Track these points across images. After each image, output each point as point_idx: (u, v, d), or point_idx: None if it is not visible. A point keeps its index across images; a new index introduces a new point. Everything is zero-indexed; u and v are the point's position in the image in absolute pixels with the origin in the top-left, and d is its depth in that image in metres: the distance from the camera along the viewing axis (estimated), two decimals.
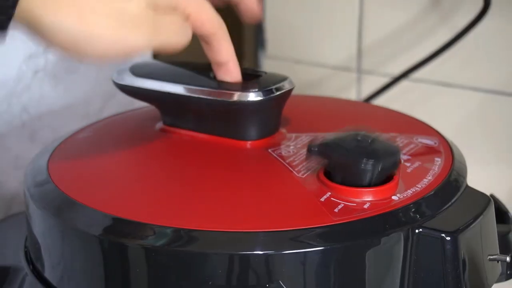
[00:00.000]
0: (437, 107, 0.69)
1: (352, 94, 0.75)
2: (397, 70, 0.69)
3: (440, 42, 0.65)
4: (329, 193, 0.38)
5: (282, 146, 0.45)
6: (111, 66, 0.67)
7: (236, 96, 0.44)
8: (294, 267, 0.35)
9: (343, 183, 0.39)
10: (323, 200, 0.38)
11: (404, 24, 0.70)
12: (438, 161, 0.43)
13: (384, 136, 0.43)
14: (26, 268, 0.42)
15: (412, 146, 0.45)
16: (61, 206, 0.39)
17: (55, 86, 0.64)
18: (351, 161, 0.38)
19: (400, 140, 0.45)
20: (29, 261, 0.42)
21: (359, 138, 0.39)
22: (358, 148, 0.38)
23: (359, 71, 0.74)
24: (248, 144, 0.45)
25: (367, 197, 0.38)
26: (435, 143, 0.46)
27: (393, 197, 0.38)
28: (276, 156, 0.43)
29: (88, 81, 0.67)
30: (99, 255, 0.37)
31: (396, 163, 0.39)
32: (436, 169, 0.42)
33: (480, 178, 0.56)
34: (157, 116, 0.49)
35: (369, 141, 0.39)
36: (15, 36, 0.60)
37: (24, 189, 0.42)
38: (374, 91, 0.70)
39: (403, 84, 0.69)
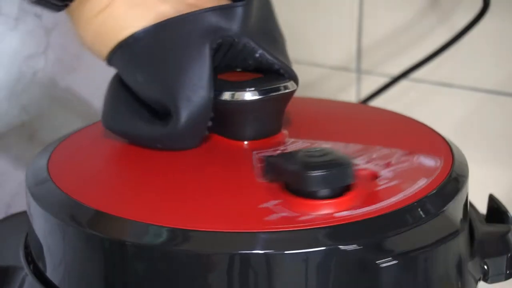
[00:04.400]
0: (436, 107, 0.69)
1: (352, 94, 0.75)
2: (397, 70, 0.69)
3: (439, 42, 0.65)
4: (275, 201, 0.37)
5: (270, 150, 0.44)
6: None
7: (231, 95, 0.44)
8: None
9: (297, 193, 0.37)
10: (262, 207, 0.37)
11: (404, 24, 0.70)
12: (419, 184, 0.40)
13: (346, 150, 0.41)
14: (26, 268, 0.42)
15: (404, 164, 0.43)
16: (61, 206, 0.39)
17: (55, 86, 0.64)
18: (296, 171, 0.37)
19: (397, 157, 0.43)
20: (29, 261, 0.42)
21: (313, 151, 0.38)
22: (308, 160, 0.37)
23: (359, 71, 0.74)
24: (245, 144, 0.45)
25: (310, 209, 0.36)
26: (436, 163, 0.43)
27: (337, 214, 0.36)
28: (254, 159, 0.43)
29: (88, 81, 0.67)
30: (100, 254, 0.37)
31: (345, 177, 0.37)
32: (408, 191, 0.39)
33: (479, 178, 0.56)
34: None
35: (321, 154, 0.38)
36: (15, 36, 0.60)
37: (25, 188, 0.42)
38: (374, 91, 0.70)
39: (403, 84, 0.69)
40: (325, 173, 0.36)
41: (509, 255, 0.42)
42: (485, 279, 0.42)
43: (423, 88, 0.70)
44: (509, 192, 0.66)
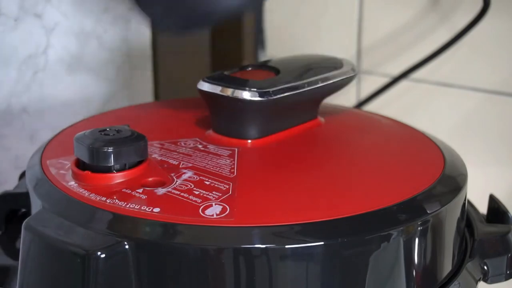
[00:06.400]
0: (436, 107, 0.69)
1: (352, 94, 0.75)
2: (397, 70, 0.69)
3: (439, 42, 0.65)
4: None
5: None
6: (111, 66, 0.67)
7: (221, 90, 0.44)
8: None
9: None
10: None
11: (404, 24, 0.70)
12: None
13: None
14: None
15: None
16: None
17: (55, 86, 0.64)
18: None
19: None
20: None
21: (107, 130, 0.40)
22: (93, 135, 0.39)
23: (359, 71, 0.74)
24: (249, 142, 0.46)
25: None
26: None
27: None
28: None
29: (88, 81, 0.67)
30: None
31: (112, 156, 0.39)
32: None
33: (479, 178, 0.56)
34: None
35: (111, 133, 0.40)
36: (15, 36, 0.60)
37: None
38: (374, 92, 0.70)
39: (403, 84, 0.69)
40: (85, 146, 0.39)
41: (509, 255, 0.42)
42: (485, 279, 0.42)
43: (423, 88, 0.70)
44: (509, 192, 0.66)
